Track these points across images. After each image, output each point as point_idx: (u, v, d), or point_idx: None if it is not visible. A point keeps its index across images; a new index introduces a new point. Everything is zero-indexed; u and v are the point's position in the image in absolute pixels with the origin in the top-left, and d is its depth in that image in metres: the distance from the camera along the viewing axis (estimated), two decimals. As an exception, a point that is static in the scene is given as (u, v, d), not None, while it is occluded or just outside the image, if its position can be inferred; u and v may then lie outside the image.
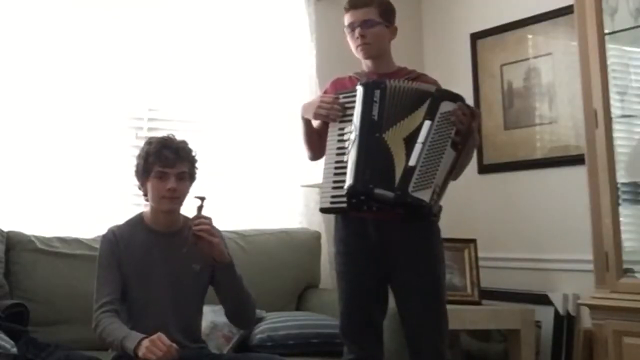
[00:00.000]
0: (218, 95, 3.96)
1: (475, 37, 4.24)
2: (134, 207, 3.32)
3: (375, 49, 2.78)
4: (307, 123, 2.82)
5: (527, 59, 4.00)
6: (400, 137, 2.58)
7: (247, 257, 3.55)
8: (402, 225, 2.65)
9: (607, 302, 3.09)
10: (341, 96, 2.72)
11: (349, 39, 2.81)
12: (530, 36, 4.00)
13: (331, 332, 3.16)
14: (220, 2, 3.98)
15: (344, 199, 2.58)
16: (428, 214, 2.56)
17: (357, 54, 2.80)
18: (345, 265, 2.76)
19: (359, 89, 2.66)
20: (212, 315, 3.10)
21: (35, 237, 3.28)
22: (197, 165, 2.77)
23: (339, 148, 2.66)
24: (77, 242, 3.34)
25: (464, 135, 2.59)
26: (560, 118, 3.84)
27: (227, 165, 3.91)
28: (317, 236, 3.88)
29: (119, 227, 2.77)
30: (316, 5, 4.17)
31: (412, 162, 2.52)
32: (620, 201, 3.16)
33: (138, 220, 2.78)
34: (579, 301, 3.53)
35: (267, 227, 3.81)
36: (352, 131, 2.62)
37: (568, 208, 3.70)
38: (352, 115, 2.64)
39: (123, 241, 2.72)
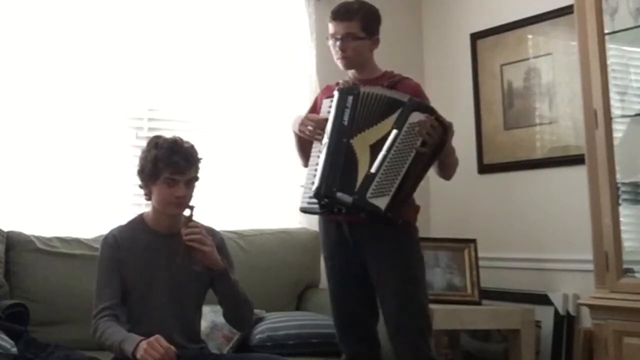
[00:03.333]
0: (218, 95, 3.96)
1: (475, 37, 4.24)
2: (134, 207, 3.33)
3: (355, 62, 2.81)
4: (297, 135, 2.88)
5: (527, 59, 4.00)
6: (367, 143, 2.63)
7: (247, 257, 3.56)
8: (373, 227, 2.68)
9: (607, 302, 3.09)
10: (327, 101, 2.77)
11: (330, 46, 2.83)
12: (530, 36, 4.00)
13: (331, 332, 3.15)
14: (220, 2, 3.98)
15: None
16: (387, 220, 2.59)
17: (337, 63, 2.83)
18: (331, 269, 2.86)
19: (335, 95, 2.72)
20: (212, 315, 3.10)
21: (35, 237, 3.28)
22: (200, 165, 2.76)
23: (319, 151, 2.72)
24: (77, 242, 3.34)
25: (431, 146, 2.60)
26: (560, 118, 3.84)
27: (227, 165, 3.90)
28: (316, 236, 3.82)
29: (119, 230, 2.75)
30: (316, 5, 4.16)
31: (373, 169, 2.58)
32: (620, 201, 3.16)
33: (139, 221, 2.77)
34: (579, 301, 3.53)
35: (267, 227, 3.81)
36: (325, 135, 2.68)
37: (568, 208, 3.70)
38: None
39: (124, 244, 2.70)
